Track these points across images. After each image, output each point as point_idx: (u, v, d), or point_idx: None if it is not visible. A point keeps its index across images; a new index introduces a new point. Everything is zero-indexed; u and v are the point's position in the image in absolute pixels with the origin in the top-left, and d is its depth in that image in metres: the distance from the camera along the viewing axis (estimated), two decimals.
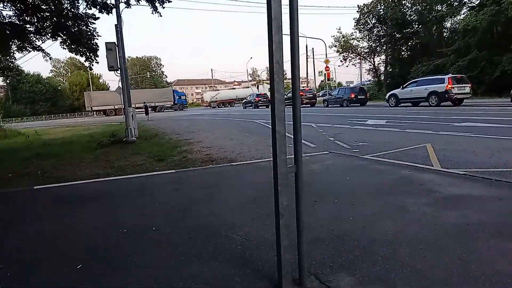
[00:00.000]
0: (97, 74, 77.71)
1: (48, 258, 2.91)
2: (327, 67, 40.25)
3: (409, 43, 40.56)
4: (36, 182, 6.05)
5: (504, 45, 26.89)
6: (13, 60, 16.93)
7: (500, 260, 2.38)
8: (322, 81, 46.72)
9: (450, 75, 20.34)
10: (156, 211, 3.98)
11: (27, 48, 12.88)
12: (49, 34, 12.02)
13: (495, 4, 23.46)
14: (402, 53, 41.47)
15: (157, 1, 11.28)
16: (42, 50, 13.04)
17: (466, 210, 3.37)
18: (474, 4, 29.58)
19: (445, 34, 37.78)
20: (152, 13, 11.59)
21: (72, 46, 12.50)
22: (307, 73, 49.74)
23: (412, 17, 39.38)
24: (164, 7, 11.53)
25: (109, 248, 3.02)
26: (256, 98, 39.59)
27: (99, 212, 4.13)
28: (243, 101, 45.12)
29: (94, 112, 53.48)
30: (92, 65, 13.48)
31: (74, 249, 3.07)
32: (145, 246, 2.99)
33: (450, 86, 18.79)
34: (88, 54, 12.84)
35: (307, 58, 47.27)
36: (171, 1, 11.67)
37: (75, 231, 3.52)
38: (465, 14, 29.85)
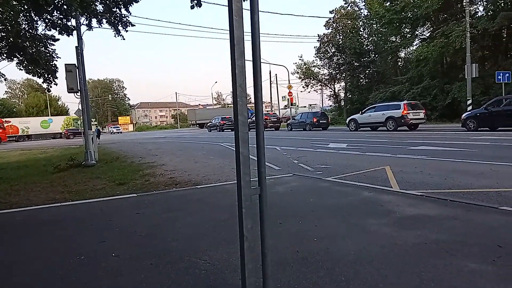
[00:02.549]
0: (56, 96, 75.27)
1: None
2: (290, 92, 41.23)
3: (367, 71, 42.57)
4: None
5: (453, 74, 28.83)
6: None
7: (457, 277, 2.47)
8: (285, 105, 47.67)
9: (406, 101, 21.44)
10: (116, 237, 3.83)
11: None
12: (5, 55, 11.58)
13: (444, 37, 25.23)
14: (361, 80, 43.42)
15: (120, 25, 11.20)
16: None
17: (424, 229, 3.50)
18: (425, 37, 31.70)
19: (399, 63, 40.06)
20: (115, 36, 11.50)
21: (30, 67, 12.09)
22: (271, 98, 50.63)
23: (369, 46, 41.57)
24: (127, 31, 11.47)
25: (65, 276, 2.85)
26: (221, 122, 39.55)
27: (55, 238, 3.91)
28: (208, 124, 44.84)
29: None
30: (51, 86, 13.06)
31: (26, 278, 2.88)
32: (104, 274, 2.85)
33: (405, 111, 19.79)
34: (46, 76, 12.44)
35: (270, 84, 48.24)
36: (134, 25, 11.66)
37: (28, 258, 3.31)
38: (417, 45, 31.88)
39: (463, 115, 17.98)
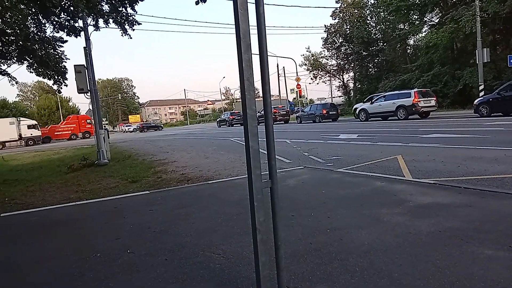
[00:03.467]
0: (66, 97, 76.11)
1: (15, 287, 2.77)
2: (298, 84, 41.03)
3: (376, 60, 42.14)
4: (3, 209, 5.78)
5: (464, 60, 28.34)
6: None
7: (473, 265, 2.45)
8: (294, 98, 47.48)
9: (416, 89, 21.14)
10: (130, 234, 3.88)
11: None
12: (15, 58, 11.75)
13: (453, 22, 24.77)
14: (370, 69, 43.02)
15: (127, 24, 11.25)
16: (8, 75, 12.69)
17: (438, 218, 3.47)
18: (434, 23, 31.16)
19: (408, 50, 39.55)
20: (122, 35, 11.56)
21: (40, 70, 12.24)
22: (279, 91, 50.43)
23: (377, 35, 41.09)
24: (133, 29, 11.52)
25: (83, 273, 2.90)
26: (231, 117, 39.66)
27: (71, 237, 3.98)
28: (217, 119, 45.10)
29: None
30: (61, 88, 13.21)
31: (45, 276, 2.94)
32: (120, 270, 2.90)
33: (416, 100, 19.54)
34: (56, 77, 12.58)
35: (278, 77, 48.03)
36: (141, 24, 11.70)
37: (46, 257, 3.38)
38: (426, 32, 31.36)
39: (475, 101, 17.69)
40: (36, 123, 44.51)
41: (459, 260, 2.54)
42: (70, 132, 48.94)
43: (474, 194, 4.19)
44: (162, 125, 63.98)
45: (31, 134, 41.68)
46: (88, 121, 47.63)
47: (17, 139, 40.23)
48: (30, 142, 40.80)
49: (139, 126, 57.48)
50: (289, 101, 52.91)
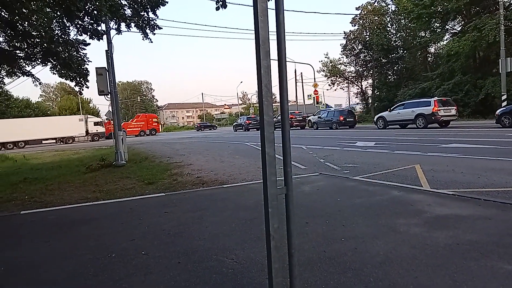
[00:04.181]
0: (87, 98, 77.74)
1: (32, 285, 2.83)
2: (315, 91, 40.86)
3: (395, 68, 41.62)
4: (23, 207, 5.93)
5: (486, 69, 27.74)
6: (2, 85, 16.87)
7: (492, 280, 2.39)
8: (311, 104, 47.29)
9: (436, 98, 20.79)
10: (145, 235, 3.92)
11: (17, 73, 12.87)
12: (39, 60, 12.05)
13: (476, 31, 24.32)
14: (389, 77, 42.47)
15: (148, 28, 11.44)
16: (32, 75, 13.02)
17: (456, 230, 3.39)
18: (456, 31, 30.65)
19: (429, 58, 38.92)
20: (143, 39, 11.75)
21: (63, 72, 12.52)
22: (296, 97, 50.30)
23: (397, 43, 40.61)
24: (154, 34, 11.69)
25: (97, 273, 2.95)
26: (247, 121, 39.78)
27: (87, 236, 4.05)
28: (233, 123, 45.53)
29: None
30: (82, 90, 13.45)
31: (61, 274, 2.99)
32: (134, 271, 2.93)
33: (436, 108, 19.21)
34: (78, 79, 12.84)
35: (296, 83, 47.95)
36: (162, 28, 11.87)
37: (62, 256, 3.44)
38: (448, 40, 30.87)
39: (498, 111, 17.25)
40: (101, 120, 49.30)
41: (477, 274, 2.47)
42: (139, 129, 52.77)
43: (494, 207, 4.08)
44: (216, 125, 67.50)
45: (97, 130, 46.79)
46: (154, 119, 54.33)
47: (85, 134, 45.42)
48: (96, 138, 46.06)
49: (197, 125, 62.88)
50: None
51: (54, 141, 43.57)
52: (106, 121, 51.04)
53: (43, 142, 42.96)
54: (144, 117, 55.41)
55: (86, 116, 47.47)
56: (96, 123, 47.20)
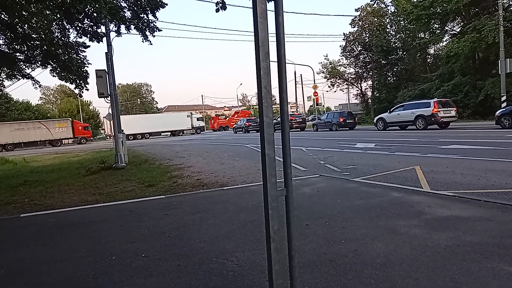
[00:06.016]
0: (87, 101, 77.63)
1: (32, 287, 2.82)
2: (315, 92, 40.86)
3: (395, 69, 41.68)
4: (23, 209, 5.93)
5: (486, 70, 27.79)
6: (2, 87, 16.87)
7: (493, 281, 2.38)
8: (311, 106, 47.33)
9: (436, 99, 20.81)
10: (145, 238, 3.91)
11: (17, 76, 12.87)
12: (39, 62, 12.06)
13: (475, 32, 24.36)
14: (388, 78, 42.53)
15: (147, 30, 11.44)
16: (32, 78, 13.04)
17: (456, 231, 3.39)
18: (455, 32, 30.71)
19: (429, 60, 39.00)
20: (143, 41, 11.75)
21: (62, 74, 12.52)
22: (296, 98, 50.36)
23: (396, 44, 40.69)
24: (154, 36, 11.70)
25: (97, 276, 2.94)
26: (247, 123, 39.78)
27: (87, 239, 4.04)
28: (233, 126, 45.64)
29: None
30: (82, 92, 13.46)
31: (61, 277, 2.99)
32: (134, 274, 2.92)
33: (436, 109, 19.23)
34: (78, 82, 12.84)
35: (295, 84, 48.02)
36: (161, 30, 11.88)
37: (62, 258, 3.43)
38: (447, 41, 30.93)
39: (497, 112, 17.26)
40: (202, 116, 60.26)
41: (478, 276, 2.47)
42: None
43: (494, 208, 4.07)
44: None
45: (199, 125, 56.10)
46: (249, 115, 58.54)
47: (190, 128, 53.54)
48: (198, 131, 54.55)
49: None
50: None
51: (169, 133, 52.76)
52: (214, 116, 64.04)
53: (162, 134, 52.33)
54: (242, 114, 58.88)
55: (191, 113, 56.40)
56: (198, 119, 56.52)
